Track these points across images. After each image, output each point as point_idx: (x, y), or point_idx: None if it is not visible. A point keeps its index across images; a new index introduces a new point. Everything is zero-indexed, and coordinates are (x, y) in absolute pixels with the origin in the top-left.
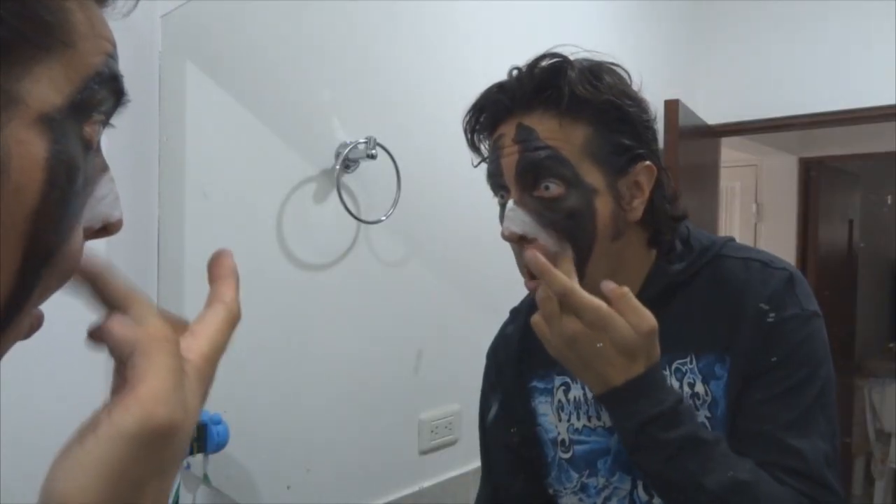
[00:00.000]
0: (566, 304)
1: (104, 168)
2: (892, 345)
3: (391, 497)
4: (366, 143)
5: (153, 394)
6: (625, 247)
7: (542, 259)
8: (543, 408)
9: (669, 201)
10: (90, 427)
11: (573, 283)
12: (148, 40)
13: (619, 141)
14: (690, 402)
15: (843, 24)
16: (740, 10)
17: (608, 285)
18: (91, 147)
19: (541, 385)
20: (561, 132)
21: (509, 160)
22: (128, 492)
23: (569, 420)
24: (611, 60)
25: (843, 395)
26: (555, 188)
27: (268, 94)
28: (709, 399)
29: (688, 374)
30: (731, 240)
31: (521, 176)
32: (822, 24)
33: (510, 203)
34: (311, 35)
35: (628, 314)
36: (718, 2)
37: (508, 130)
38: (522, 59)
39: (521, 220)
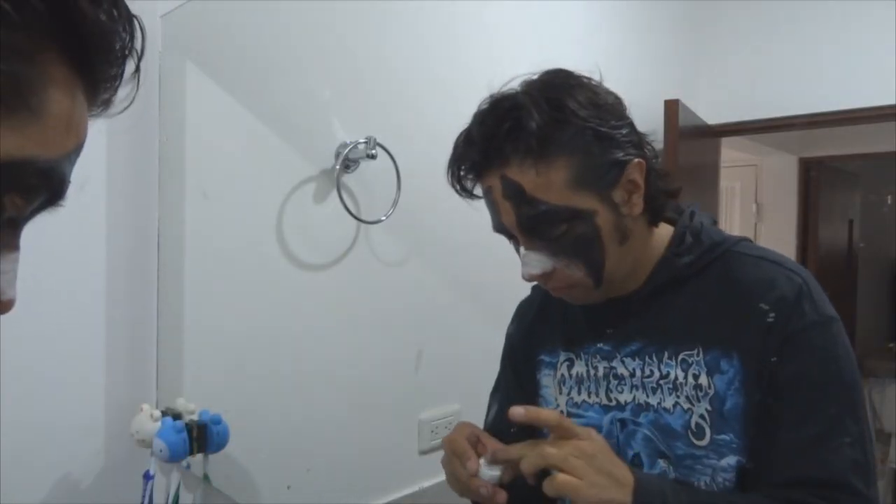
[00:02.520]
0: (565, 433)
1: (13, 247)
2: (892, 345)
3: (391, 497)
4: (366, 143)
5: None
6: (633, 242)
7: (530, 412)
8: (546, 380)
9: (662, 178)
10: None
11: (561, 417)
12: (148, 40)
13: (600, 161)
14: (693, 393)
15: (843, 25)
16: (740, 11)
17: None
18: (5, 220)
19: (546, 359)
20: (540, 180)
21: (508, 217)
22: None
23: (569, 394)
24: (565, 74)
25: None
26: (556, 229)
27: (268, 94)
28: (711, 392)
29: (693, 366)
30: (746, 240)
31: (523, 230)
32: (822, 25)
33: (522, 250)
34: (311, 35)
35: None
36: (719, 2)
37: (494, 183)
38: (524, 59)
39: (536, 262)
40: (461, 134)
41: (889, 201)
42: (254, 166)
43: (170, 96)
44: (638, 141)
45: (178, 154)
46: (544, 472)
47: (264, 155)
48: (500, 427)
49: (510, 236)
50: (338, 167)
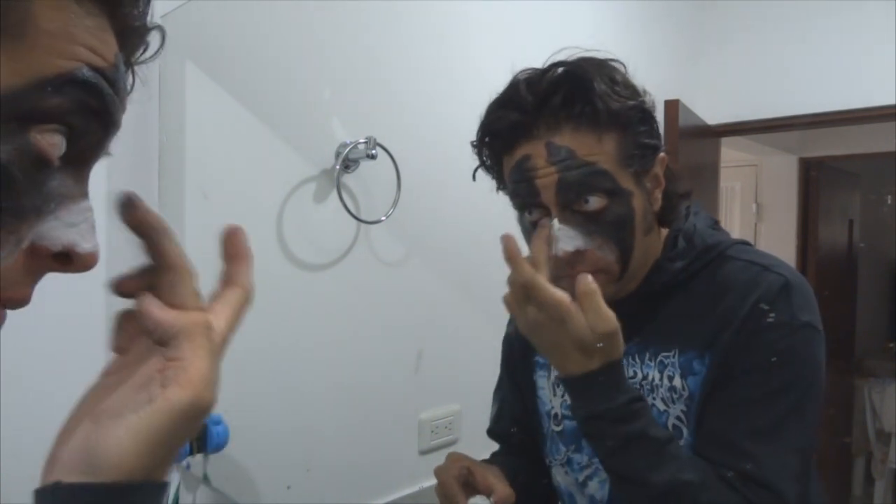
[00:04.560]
0: (531, 295)
1: (80, 194)
2: (892, 345)
3: (391, 497)
4: (366, 143)
5: (201, 377)
6: (651, 238)
7: (513, 247)
8: (542, 382)
9: (675, 180)
10: (142, 400)
11: (536, 277)
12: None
13: (642, 141)
14: (668, 395)
15: (843, 24)
16: (740, 11)
17: (582, 280)
18: (47, 161)
19: (542, 360)
20: (599, 146)
21: (547, 181)
22: (163, 455)
23: (563, 396)
24: (608, 56)
25: (843, 395)
26: (595, 201)
27: (268, 94)
28: (685, 394)
29: (668, 367)
30: (742, 242)
31: (562, 195)
32: (822, 24)
33: (556, 223)
34: (311, 35)
35: (589, 313)
36: (719, 2)
37: (536, 151)
38: (523, 58)
39: (570, 237)
40: (495, 100)
41: (889, 201)
42: (254, 166)
43: (170, 96)
44: (661, 137)
45: (178, 154)
46: (526, 492)
47: (264, 155)
48: (501, 427)
49: (534, 207)
50: (338, 167)
